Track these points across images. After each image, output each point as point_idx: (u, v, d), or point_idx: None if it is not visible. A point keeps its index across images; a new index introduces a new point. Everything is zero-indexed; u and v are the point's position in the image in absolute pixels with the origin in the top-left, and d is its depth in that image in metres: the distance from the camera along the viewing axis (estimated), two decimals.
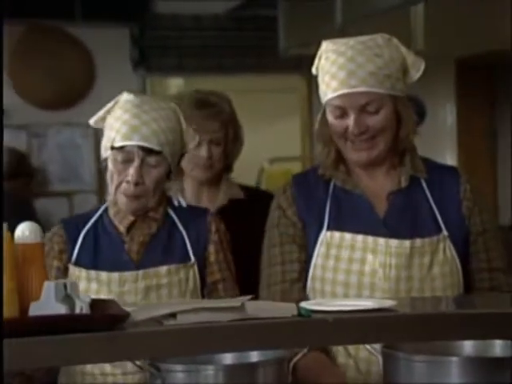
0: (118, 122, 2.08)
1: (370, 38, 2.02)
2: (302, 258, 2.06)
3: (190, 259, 2.12)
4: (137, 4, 5.53)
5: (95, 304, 1.60)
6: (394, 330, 1.66)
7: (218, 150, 2.62)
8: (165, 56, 5.58)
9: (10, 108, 5.42)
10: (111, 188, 2.11)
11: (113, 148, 2.07)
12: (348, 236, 2.02)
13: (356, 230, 2.02)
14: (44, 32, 5.48)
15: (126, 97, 2.13)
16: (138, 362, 1.71)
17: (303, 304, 1.68)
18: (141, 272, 2.09)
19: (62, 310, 1.52)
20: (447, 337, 1.73)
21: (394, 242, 2.00)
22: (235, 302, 1.63)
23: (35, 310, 1.54)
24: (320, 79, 2.04)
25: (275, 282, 2.07)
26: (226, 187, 2.66)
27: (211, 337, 1.58)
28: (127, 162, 2.07)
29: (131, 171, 2.05)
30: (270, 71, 5.63)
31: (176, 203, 2.19)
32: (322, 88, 2.03)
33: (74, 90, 5.31)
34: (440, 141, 4.61)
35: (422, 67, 2.05)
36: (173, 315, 1.58)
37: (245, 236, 2.25)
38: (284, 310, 1.64)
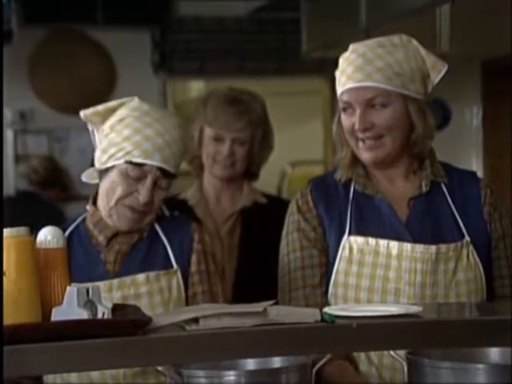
0: (138, 135, 1.97)
1: (387, 38, 2.03)
2: (322, 262, 2.04)
3: (171, 266, 2.02)
4: (157, 8, 5.54)
5: (117, 309, 1.61)
6: (420, 336, 1.64)
7: (241, 150, 2.56)
8: (186, 59, 5.58)
9: (32, 112, 5.46)
10: (110, 200, 1.99)
11: (128, 162, 1.97)
12: (372, 241, 2.00)
13: (379, 235, 2.00)
14: (66, 36, 5.50)
15: (140, 106, 2.02)
16: (160, 368, 1.71)
17: (326, 309, 1.67)
18: (115, 281, 1.99)
19: (84, 315, 1.53)
20: (473, 343, 1.71)
21: (419, 248, 1.98)
22: (258, 307, 1.62)
23: (58, 315, 1.54)
24: (336, 78, 2.05)
25: (296, 287, 2.06)
26: (249, 191, 2.64)
27: (234, 342, 1.57)
28: (139, 179, 1.97)
29: (143, 191, 1.96)
30: (292, 74, 5.62)
31: (159, 213, 2.08)
32: (336, 86, 2.04)
33: (96, 93, 5.33)
34: (466, 143, 4.58)
35: (444, 70, 2.03)
36: (195, 320, 1.57)
37: (265, 239, 2.24)
38: (307, 315, 1.63)
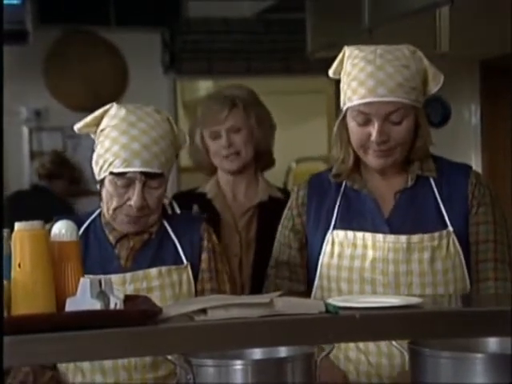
0: (116, 145, 1.99)
1: (397, 49, 2.05)
2: (294, 260, 2.14)
3: (182, 262, 2.05)
4: (167, 10, 5.59)
5: (128, 300, 1.64)
6: (421, 326, 1.68)
7: (239, 137, 2.59)
8: (194, 59, 5.62)
9: (47, 110, 5.52)
10: (109, 208, 2.03)
11: (112, 173, 1.99)
12: (350, 234, 2.07)
13: (359, 228, 2.07)
14: (79, 37, 5.56)
15: (118, 112, 2.02)
16: (169, 357, 1.75)
17: (330, 300, 1.72)
18: (128, 274, 2.02)
19: (97, 305, 1.57)
20: (473, 333, 1.75)
21: (390, 238, 2.05)
22: (264, 298, 1.66)
23: (71, 305, 1.59)
24: (345, 84, 2.05)
25: (270, 275, 2.19)
26: (265, 186, 2.68)
27: (241, 332, 1.61)
28: (128, 185, 2.00)
29: (134, 197, 1.99)
30: (297, 73, 5.65)
31: (169, 211, 2.11)
32: (347, 93, 2.04)
33: (108, 92, 5.39)
34: (464, 141, 4.60)
35: (441, 81, 2.08)
36: (204, 311, 1.61)
37: None
38: (312, 306, 1.68)
